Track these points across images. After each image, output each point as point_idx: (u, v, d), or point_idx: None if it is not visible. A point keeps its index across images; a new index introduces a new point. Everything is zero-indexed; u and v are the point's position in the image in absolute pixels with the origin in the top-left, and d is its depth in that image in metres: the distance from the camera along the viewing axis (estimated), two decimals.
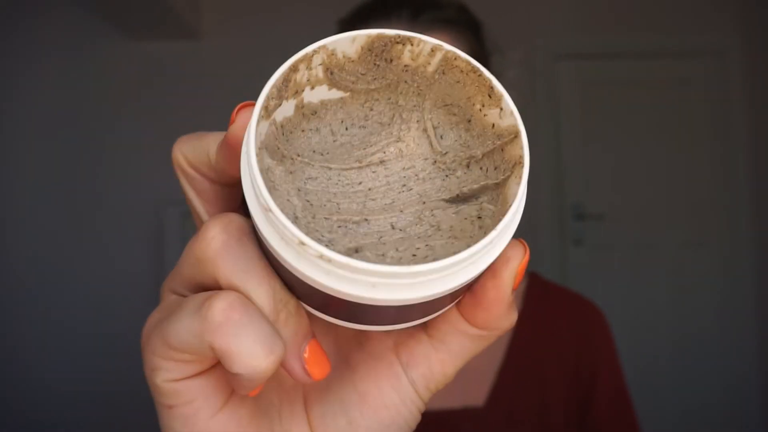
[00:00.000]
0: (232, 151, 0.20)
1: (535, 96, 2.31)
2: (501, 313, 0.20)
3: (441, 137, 0.21)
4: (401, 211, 0.19)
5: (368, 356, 0.22)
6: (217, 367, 0.20)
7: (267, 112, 0.19)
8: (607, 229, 2.36)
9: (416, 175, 0.21)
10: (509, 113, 0.19)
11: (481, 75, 0.20)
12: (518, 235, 0.20)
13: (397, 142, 0.21)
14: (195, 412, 0.19)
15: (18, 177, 2.17)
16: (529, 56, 2.29)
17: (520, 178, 0.18)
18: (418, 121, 0.21)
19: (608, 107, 2.37)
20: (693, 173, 2.37)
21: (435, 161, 0.21)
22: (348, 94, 0.21)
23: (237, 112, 0.19)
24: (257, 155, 0.17)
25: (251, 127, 0.18)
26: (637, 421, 0.70)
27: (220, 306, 0.17)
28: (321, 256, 0.16)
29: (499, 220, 0.18)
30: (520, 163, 0.19)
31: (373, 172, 0.21)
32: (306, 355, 0.19)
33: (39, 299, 2.13)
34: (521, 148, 0.19)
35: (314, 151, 0.20)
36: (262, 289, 0.18)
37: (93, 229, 2.17)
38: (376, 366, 0.22)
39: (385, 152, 0.21)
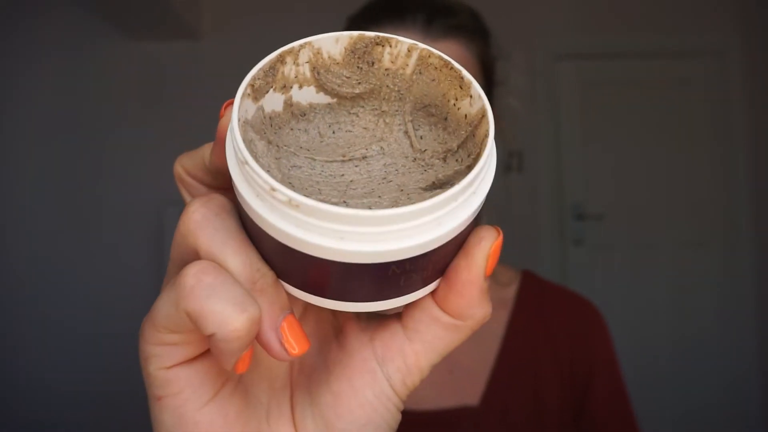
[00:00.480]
0: (222, 146, 0.20)
1: (536, 96, 2.31)
2: (474, 297, 0.20)
3: (421, 137, 0.22)
4: (380, 197, 0.20)
5: (344, 354, 0.22)
6: (205, 356, 0.20)
7: (253, 90, 0.19)
8: (607, 229, 2.36)
9: (396, 170, 0.21)
10: (477, 97, 0.20)
11: (452, 68, 0.21)
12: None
13: (380, 141, 0.22)
14: (183, 403, 0.19)
15: (18, 177, 2.17)
16: (529, 56, 2.30)
17: (486, 145, 0.19)
18: (399, 124, 0.22)
19: (608, 107, 2.37)
20: (693, 173, 2.37)
21: (415, 159, 0.22)
22: (335, 100, 0.22)
23: (225, 108, 0.20)
24: (240, 127, 0.18)
25: (236, 98, 0.19)
26: (636, 421, 0.70)
27: (192, 271, 0.17)
28: (290, 201, 0.16)
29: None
30: (487, 135, 0.19)
31: (356, 166, 0.21)
32: (283, 329, 0.19)
33: (39, 299, 2.13)
34: (488, 122, 0.20)
35: (301, 147, 0.21)
36: (238, 258, 0.18)
37: (93, 229, 2.18)
38: (351, 363, 0.22)
39: (367, 149, 0.22)
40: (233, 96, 0.19)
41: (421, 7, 0.63)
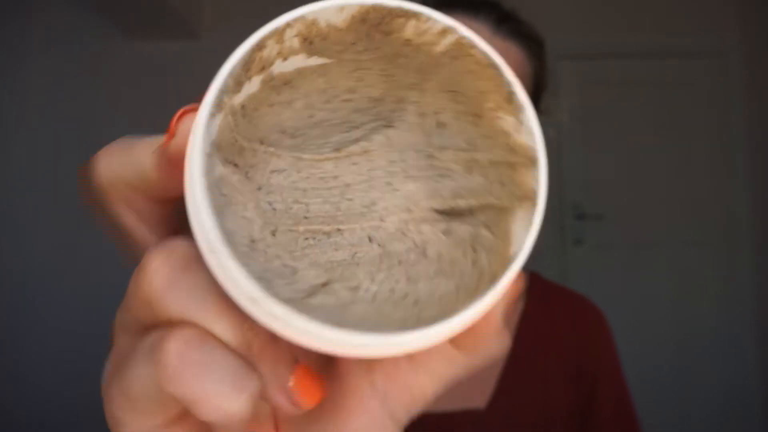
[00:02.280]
0: (177, 169, 0.16)
1: None
2: (488, 334, 0.18)
3: (441, 125, 0.17)
4: (382, 220, 0.17)
5: (338, 390, 0.20)
6: (189, 415, 0.17)
7: (219, 109, 0.15)
8: (607, 229, 2.36)
9: (405, 171, 0.17)
10: (528, 131, 0.15)
11: (500, 74, 0.16)
12: None
13: (387, 127, 0.17)
14: None
15: (15, 177, 2.16)
16: None
17: (530, 222, 0.15)
18: (415, 102, 0.17)
19: (608, 107, 2.37)
20: (693, 173, 2.37)
21: (429, 155, 0.17)
22: (332, 60, 0.17)
23: (177, 121, 0.16)
24: (205, 172, 0.14)
25: (195, 146, 0.14)
26: (639, 423, 0.70)
27: (174, 347, 0.14)
28: (274, 317, 0.13)
29: (497, 278, 0.14)
30: (532, 200, 0.15)
31: (354, 164, 0.17)
32: (291, 384, 0.16)
33: (36, 299, 2.12)
34: (536, 181, 0.15)
35: (284, 132, 0.17)
36: (225, 320, 0.15)
37: (91, 230, 2.17)
38: (346, 402, 0.19)
39: (370, 140, 0.17)
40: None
41: (496, 8, 0.64)
